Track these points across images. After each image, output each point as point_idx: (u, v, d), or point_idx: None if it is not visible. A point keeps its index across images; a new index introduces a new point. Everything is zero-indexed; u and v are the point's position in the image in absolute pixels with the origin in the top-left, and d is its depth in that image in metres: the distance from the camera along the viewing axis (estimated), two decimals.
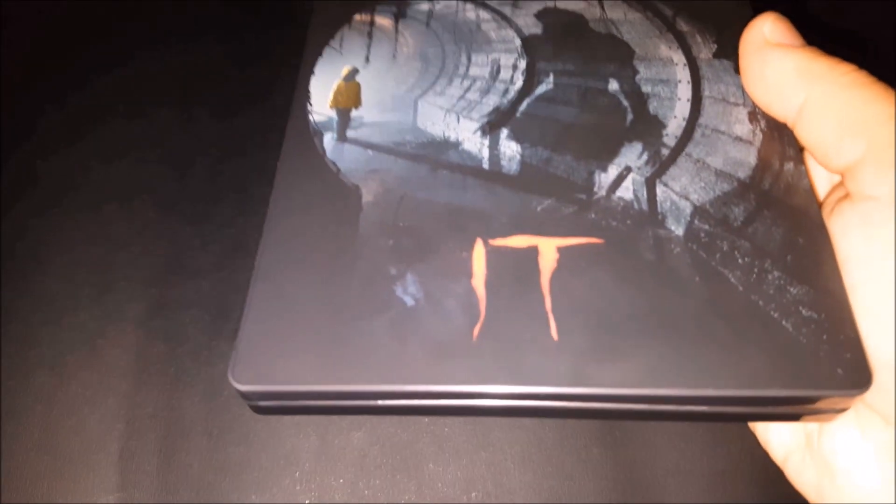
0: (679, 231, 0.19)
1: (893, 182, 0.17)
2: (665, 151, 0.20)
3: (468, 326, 0.17)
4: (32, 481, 0.31)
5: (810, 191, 0.19)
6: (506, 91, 0.22)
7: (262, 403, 0.17)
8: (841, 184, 0.19)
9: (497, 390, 0.16)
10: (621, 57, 0.22)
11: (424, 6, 0.24)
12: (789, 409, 0.17)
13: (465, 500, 0.30)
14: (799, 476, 0.20)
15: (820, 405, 0.16)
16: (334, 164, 0.20)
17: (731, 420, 0.17)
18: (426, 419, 0.31)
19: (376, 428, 0.31)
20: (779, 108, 0.20)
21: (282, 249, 0.19)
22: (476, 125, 0.21)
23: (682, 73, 0.22)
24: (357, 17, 0.24)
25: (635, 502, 0.29)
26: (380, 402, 0.17)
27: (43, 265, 0.35)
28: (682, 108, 0.21)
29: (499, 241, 0.19)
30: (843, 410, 0.17)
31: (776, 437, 0.21)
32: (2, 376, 0.32)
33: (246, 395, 0.17)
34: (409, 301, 0.18)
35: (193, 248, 0.35)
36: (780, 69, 0.19)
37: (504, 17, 0.23)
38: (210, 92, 0.40)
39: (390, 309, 0.17)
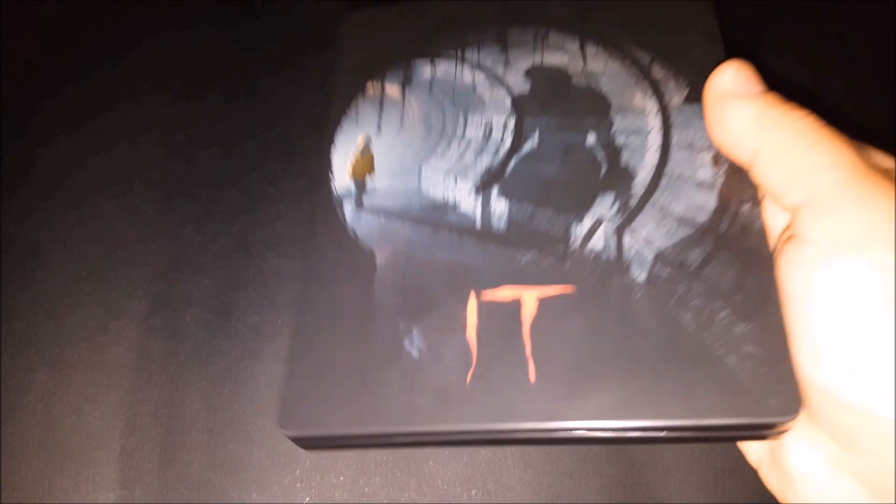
0: (642, 277, 0.21)
1: (825, 227, 0.18)
2: (633, 201, 0.22)
3: (462, 372, 0.20)
4: (33, 479, 0.31)
5: (762, 232, 0.21)
6: (496, 151, 0.24)
7: (304, 442, 0.21)
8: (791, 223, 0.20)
9: (485, 427, 0.19)
10: (599, 110, 0.24)
11: (427, 72, 0.26)
12: (737, 433, 0.19)
13: (465, 498, 0.30)
14: (769, 481, 0.22)
15: (762, 430, 0.19)
16: (353, 231, 0.23)
17: (687, 442, 0.20)
18: None
19: None
20: (739, 154, 0.21)
21: (313, 315, 0.22)
22: (470, 185, 0.24)
23: (654, 121, 0.23)
24: (370, 87, 0.26)
25: (635, 501, 0.29)
26: (395, 439, 0.20)
27: (43, 263, 0.35)
28: (652, 157, 0.23)
29: (488, 295, 0.21)
30: (784, 432, 0.19)
31: (750, 449, 0.23)
32: (2, 374, 0.33)
33: (291, 439, 0.21)
34: (415, 353, 0.21)
35: (194, 245, 0.35)
36: (739, 118, 0.21)
37: (496, 78, 0.26)
38: (211, 89, 0.40)
39: (400, 361, 0.21)
